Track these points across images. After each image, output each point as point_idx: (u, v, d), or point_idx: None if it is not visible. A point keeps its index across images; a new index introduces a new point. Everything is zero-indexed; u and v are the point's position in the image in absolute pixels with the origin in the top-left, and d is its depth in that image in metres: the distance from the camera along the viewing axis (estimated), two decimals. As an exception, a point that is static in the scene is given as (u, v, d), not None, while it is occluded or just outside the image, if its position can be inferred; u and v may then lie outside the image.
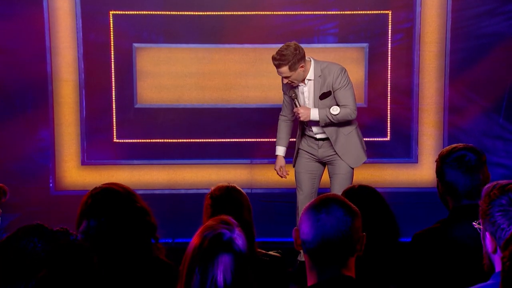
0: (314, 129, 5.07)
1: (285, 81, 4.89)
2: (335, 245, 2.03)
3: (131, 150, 6.25)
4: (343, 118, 4.94)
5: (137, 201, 2.66)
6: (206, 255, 1.92)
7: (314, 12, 6.20)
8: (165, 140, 6.26)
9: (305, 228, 2.06)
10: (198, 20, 6.11)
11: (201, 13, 6.09)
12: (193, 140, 6.27)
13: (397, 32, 6.18)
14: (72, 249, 1.64)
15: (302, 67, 4.83)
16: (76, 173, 6.22)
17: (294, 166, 5.22)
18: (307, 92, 4.98)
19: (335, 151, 5.04)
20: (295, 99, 4.96)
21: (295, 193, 5.23)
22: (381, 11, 6.13)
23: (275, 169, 5.21)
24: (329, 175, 5.16)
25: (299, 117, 4.94)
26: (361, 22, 6.23)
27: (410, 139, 6.24)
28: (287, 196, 5.99)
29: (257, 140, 6.21)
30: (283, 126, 5.24)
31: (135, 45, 6.15)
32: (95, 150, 6.24)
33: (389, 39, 6.15)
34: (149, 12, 6.11)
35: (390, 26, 6.12)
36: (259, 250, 3.06)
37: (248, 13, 6.13)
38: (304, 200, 5.00)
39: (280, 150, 5.21)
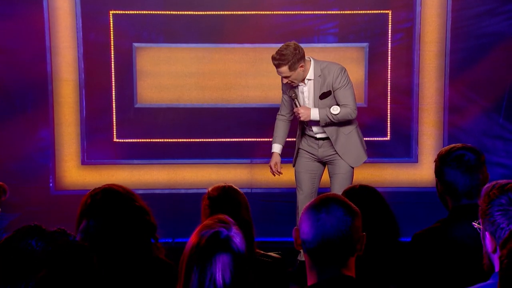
0: (314, 128, 5.07)
1: (285, 81, 4.89)
2: (335, 245, 2.03)
3: (131, 149, 6.25)
4: (343, 118, 4.94)
5: (137, 200, 2.66)
6: (204, 253, 1.92)
7: (314, 12, 6.20)
8: (165, 140, 6.26)
9: (305, 227, 2.06)
10: (198, 20, 6.11)
11: (201, 12, 6.09)
12: (193, 140, 6.27)
13: (397, 31, 6.18)
14: (71, 249, 1.64)
15: (302, 66, 4.83)
16: (76, 173, 6.22)
17: (294, 166, 5.22)
18: (307, 92, 4.98)
19: (335, 150, 5.04)
20: (295, 99, 4.96)
21: (295, 192, 5.23)
22: (381, 11, 6.13)
23: (270, 165, 5.19)
24: (329, 174, 5.16)
25: (299, 117, 4.94)
26: (361, 22, 6.23)
27: (410, 138, 6.24)
28: (287, 195, 5.99)
29: (257, 139, 6.21)
30: (281, 125, 5.23)
31: (135, 44, 6.15)
32: (95, 150, 6.24)
33: (389, 39, 6.15)
34: (149, 12, 6.12)
35: (390, 25, 6.12)
36: (258, 250, 3.05)
37: (248, 12, 6.13)
38: (304, 200, 5.00)
39: (276, 148, 5.20)
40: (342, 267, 2.05)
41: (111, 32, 6.10)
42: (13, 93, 6.13)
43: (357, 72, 6.05)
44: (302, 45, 4.91)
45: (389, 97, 6.19)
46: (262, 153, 6.12)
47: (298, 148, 5.18)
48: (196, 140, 6.27)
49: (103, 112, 6.21)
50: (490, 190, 2.03)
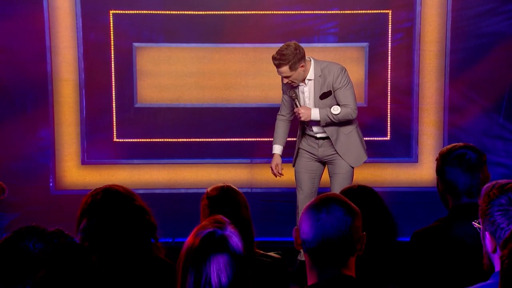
0: (315, 128, 5.07)
1: (285, 81, 4.89)
2: (335, 245, 2.02)
3: (131, 149, 6.25)
4: (344, 118, 4.94)
5: (137, 200, 2.66)
6: (199, 254, 1.91)
7: (314, 12, 6.20)
8: (165, 140, 6.26)
9: (305, 227, 2.06)
10: (198, 20, 6.11)
11: (201, 12, 6.09)
12: (193, 140, 6.27)
13: (397, 31, 6.18)
14: (71, 249, 1.64)
15: (302, 66, 4.83)
16: (76, 173, 6.22)
17: (294, 166, 5.22)
18: (307, 92, 4.98)
19: (335, 150, 5.04)
20: (296, 99, 4.96)
21: (295, 192, 5.23)
22: (381, 11, 6.13)
23: (271, 167, 5.19)
24: (329, 174, 5.16)
25: (300, 117, 4.94)
26: (361, 22, 6.23)
27: (410, 138, 6.24)
28: (287, 195, 5.99)
29: (257, 139, 6.21)
30: (281, 126, 5.22)
31: (135, 44, 6.15)
32: (95, 150, 6.24)
33: (389, 39, 6.15)
34: (149, 12, 6.11)
35: (390, 25, 6.12)
36: (258, 250, 3.05)
37: (248, 12, 6.13)
38: (304, 200, 5.00)
39: (277, 149, 5.20)
40: (342, 267, 2.05)
41: (111, 32, 6.10)
42: (13, 93, 6.13)
43: (357, 72, 6.05)
44: (302, 45, 4.91)
45: (389, 97, 6.19)
46: (262, 153, 6.11)
47: (298, 148, 5.18)
48: (196, 140, 6.27)
49: (103, 112, 6.21)
50: (490, 190, 2.02)
